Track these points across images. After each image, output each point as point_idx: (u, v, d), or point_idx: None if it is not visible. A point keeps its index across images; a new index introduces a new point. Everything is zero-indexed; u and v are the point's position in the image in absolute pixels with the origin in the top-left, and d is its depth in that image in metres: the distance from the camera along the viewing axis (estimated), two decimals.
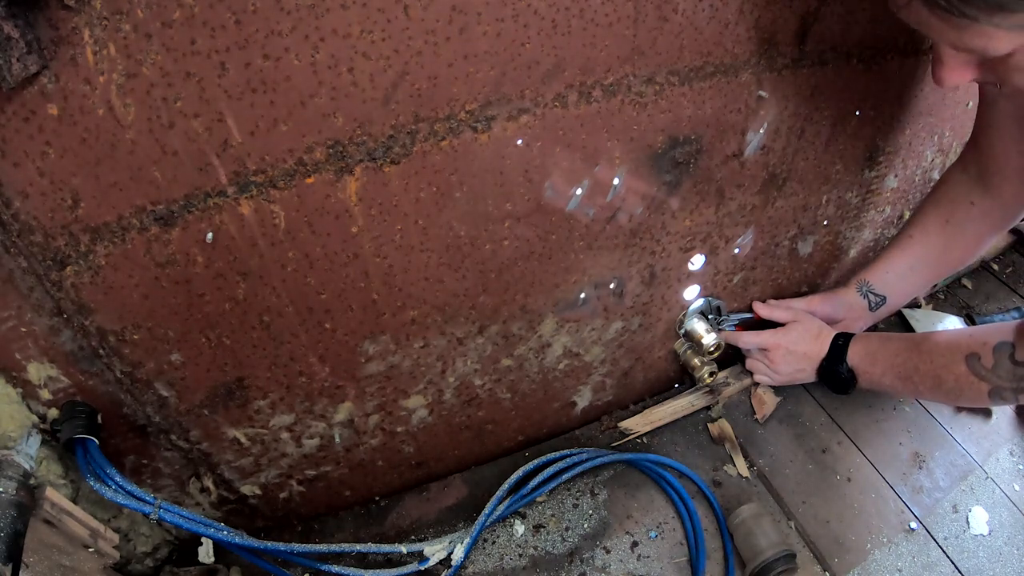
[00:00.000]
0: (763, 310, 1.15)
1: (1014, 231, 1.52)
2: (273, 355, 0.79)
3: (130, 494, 0.75)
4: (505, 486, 1.01)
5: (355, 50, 0.59)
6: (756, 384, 1.20)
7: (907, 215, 1.28)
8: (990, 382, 0.87)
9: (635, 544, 1.01)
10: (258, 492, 0.97)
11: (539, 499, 1.06)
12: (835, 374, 1.06)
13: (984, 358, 0.87)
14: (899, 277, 1.11)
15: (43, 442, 0.73)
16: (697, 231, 0.97)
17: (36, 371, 0.69)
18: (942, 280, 1.45)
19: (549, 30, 0.66)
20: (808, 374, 1.11)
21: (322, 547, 0.90)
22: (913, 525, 1.03)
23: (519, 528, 1.03)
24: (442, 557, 0.95)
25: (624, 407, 1.22)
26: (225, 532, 0.82)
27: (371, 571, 0.90)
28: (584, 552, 1.00)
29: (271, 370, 0.80)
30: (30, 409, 0.72)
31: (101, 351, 0.70)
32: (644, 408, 1.19)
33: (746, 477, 1.10)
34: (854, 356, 1.04)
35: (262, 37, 0.56)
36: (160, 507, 0.76)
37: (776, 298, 1.19)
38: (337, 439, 0.94)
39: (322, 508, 1.06)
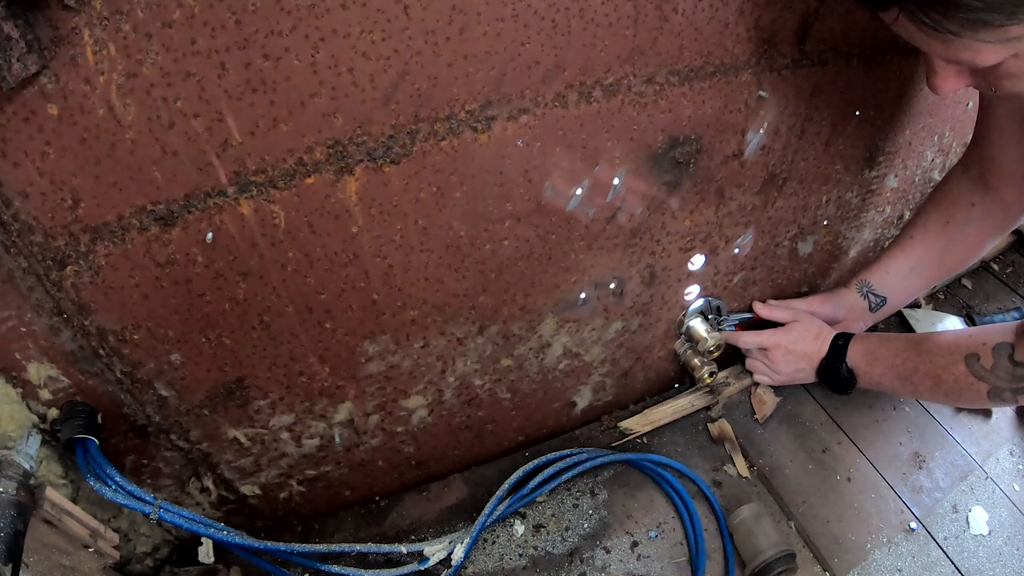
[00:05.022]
0: (763, 310, 1.15)
1: (1015, 231, 1.52)
2: (273, 355, 0.79)
3: (130, 494, 0.75)
4: (505, 486, 1.01)
5: (355, 50, 0.59)
6: (756, 384, 1.20)
7: (907, 215, 1.28)
8: (989, 382, 0.87)
9: (635, 544, 1.01)
10: (258, 492, 0.97)
11: (539, 499, 1.06)
12: (835, 374, 1.06)
13: (983, 358, 0.87)
14: (900, 278, 1.11)
15: (43, 442, 0.73)
16: (697, 231, 0.97)
17: (36, 371, 0.69)
18: (942, 281, 1.45)
19: (549, 30, 0.66)
20: (808, 374, 1.11)
21: (322, 547, 0.90)
22: (913, 525, 1.03)
23: (519, 528, 1.03)
24: (442, 557, 0.95)
25: (624, 407, 1.22)
26: (225, 532, 0.82)
27: (371, 571, 0.90)
28: (584, 552, 1.00)
29: (271, 370, 0.80)
30: (30, 409, 0.72)
31: (101, 351, 0.70)
32: (644, 408, 1.19)
33: (746, 477, 1.10)
34: (854, 356, 1.04)
35: (262, 37, 0.56)
36: (160, 507, 0.76)
37: (776, 298, 1.19)
38: (337, 439, 0.94)
39: (322, 508, 1.06)
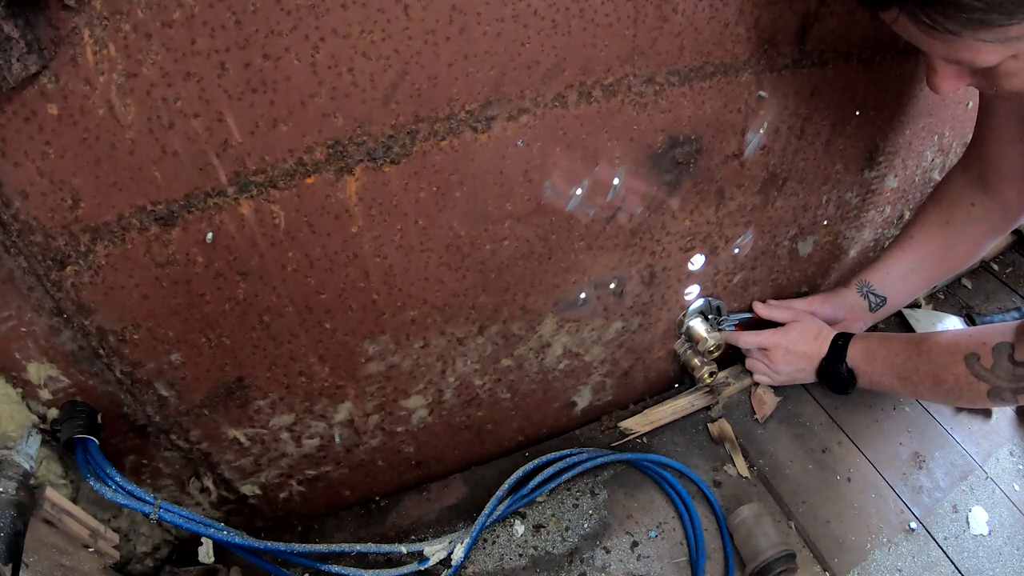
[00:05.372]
0: (763, 310, 1.15)
1: (1015, 231, 1.52)
2: (273, 355, 0.79)
3: (130, 494, 0.75)
4: (505, 486, 1.01)
5: (355, 50, 0.59)
6: (756, 384, 1.20)
7: (907, 215, 1.28)
8: (989, 382, 0.87)
9: (635, 544, 1.01)
10: (258, 492, 0.97)
11: (539, 499, 1.06)
12: (835, 374, 1.06)
13: (983, 358, 0.87)
14: (900, 278, 1.11)
15: (43, 442, 0.73)
16: (697, 231, 0.97)
17: (36, 371, 0.69)
18: (942, 281, 1.45)
19: (549, 30, 0.66)
20: (808, 374, 1.11)
21: (322, 547, 0.90)
22: (913, 525, 1.03)
23: (519, 528, 1.03)
24: (442, 557, 0.95)
25: (624, 407, 1.22)
26: (225, 532, 0.82)
27: (371, 571, 0.90)
28: (584, 552, 1.00)
29: (271, 370, 0.80)
30: (30, 409, 0.72)
31: (101, 351, 0.70)
32: (644, 408, 1.19)
33: (746, 477, 1.10)
34: (854, 356, 1.04)
35: (262, 37, 0.56)
36: (160, 507, 0.76)
37: (776, 298, 1.19)
38: (337, 439, 0.94)
39: (322, 508, 1.06)
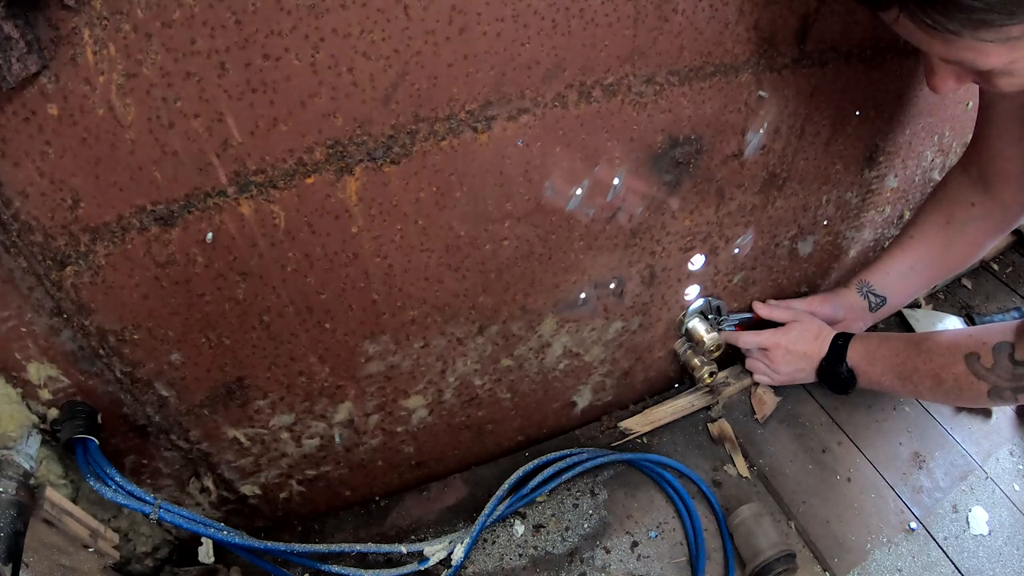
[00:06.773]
0: (763, 310, 1.15)
1: (1015, 231, 1.52)
2: (273, 355, 0.79)
3: (130, 494, 0.75)
4: (505, 486, 1.01)
5: (355, 50, 0.59)
6: (756, 384, 1.20)
7: (907, 215, 1.28)
8: (989, 381, 0.87)
9: (635, 544, 1.01)
10: (258, 492, 0.97)
11: (539, 499, 1.06)
12: (835, 374, 1.06)
13: (983, 357, 0.87)
14: (899, 278, 1.11)
15: (43, 442, 0.73)
16: (697, 231, 0.97)
17: (36, 371, 0.69)
18: (942, 281, 1.45)
19: (549, 30, 0.66)
20: (808, 374, 1.11)
21: (322, 547, 0.90)
22: (913, 525, 1.03)
23: (519, 528, 1.03)
24: (442, 557, 0.95)
25: (624, 407, 1.22)
26: (225, 532, 0.82)
27: (371, 571, 0.90)
28: (584, 552, 1.00)
29: (271, 370, 0.80)
30: (30, 409, 0.72)
31: (101, 351, 0.70)
32: (644, 408, 1.19)
33: (746, 477, 1.10)
34: (854, 356, 1.04)
35: (262, 37, 0.56)
36: (160, 507, 0.76)
37: (776, 298, 1.19)
38: (337, 439, 0.94)
39: (322, 508, 1.06)
